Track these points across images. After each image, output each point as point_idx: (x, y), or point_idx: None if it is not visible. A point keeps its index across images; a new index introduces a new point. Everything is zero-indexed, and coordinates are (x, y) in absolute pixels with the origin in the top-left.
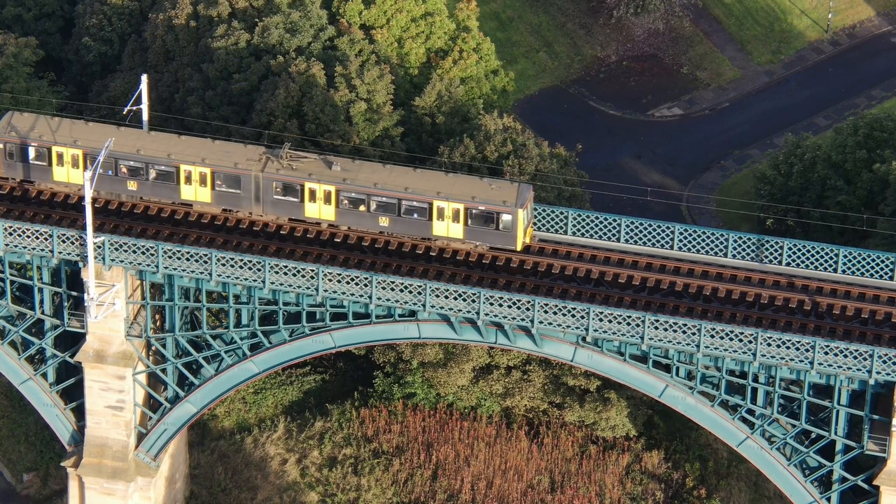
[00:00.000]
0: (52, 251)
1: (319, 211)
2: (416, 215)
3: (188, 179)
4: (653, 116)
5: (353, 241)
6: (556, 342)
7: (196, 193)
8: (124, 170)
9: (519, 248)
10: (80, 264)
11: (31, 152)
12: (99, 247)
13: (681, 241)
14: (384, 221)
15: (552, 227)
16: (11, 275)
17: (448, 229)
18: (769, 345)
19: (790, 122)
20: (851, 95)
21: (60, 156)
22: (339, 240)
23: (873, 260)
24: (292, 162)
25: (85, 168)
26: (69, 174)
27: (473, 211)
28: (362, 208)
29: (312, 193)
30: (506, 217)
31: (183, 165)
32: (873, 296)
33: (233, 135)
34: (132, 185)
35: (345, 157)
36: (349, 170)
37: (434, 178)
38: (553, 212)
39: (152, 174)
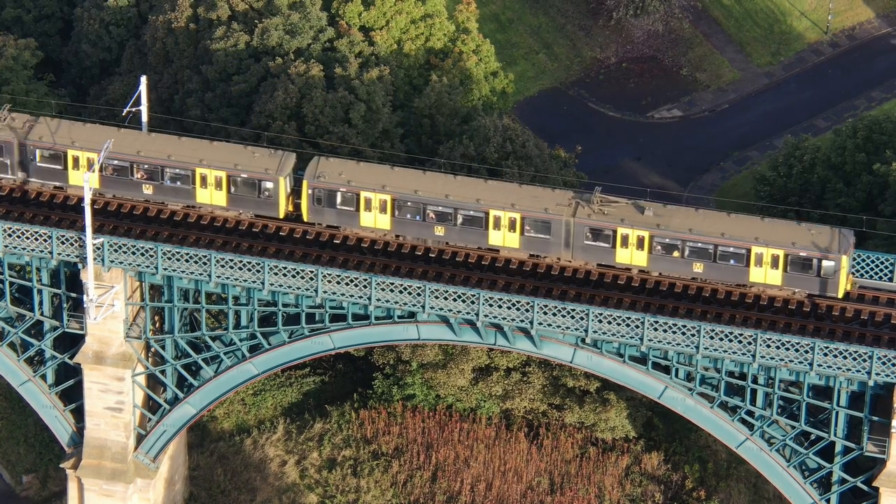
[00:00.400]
0: (51, 252)
1: (631, 257)
2: (732, 261)
3: (497, 225)
4: (652, 118)
5: (351, 242)
6: (555, 343)
7: (504, 239)
8: (432, 215)
9: (840, 294)
10: (80, 266)
11: (339, 198)
12: (98, 248)
13: None
14: (698, 268)
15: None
16: (11, 276)
17: (766, 276)
18: (768, 346)
19: (790, 124)
20: (851, 97)
21: (368, 201)
22: (338, 241)
23: (873, 261)
24: (604, 207)
25: (393, 214)
26: (376, 219)
27: (793, 257)
28: (676, 254)
29: (625, 239)
30: (827, 264)
31: (493, 211)
32: (872, 297)
33: (231, 136)
34: (439, 231)
35: (655, 203)
36: (662, 215)
37: (751, 224)
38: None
39: (459, 219)
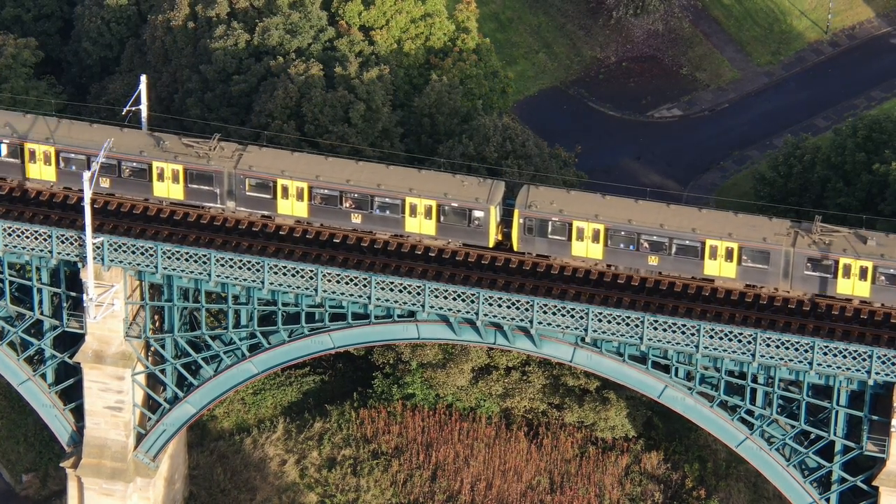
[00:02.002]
0: (51, 252)
1: (853, 287)
2: None
3: (713, 254)
4: (652, 117)
5: (351, 241)
6: (555, 343)
7: (720, 269)
8: (645, 244)
9: None
10: (80, 265)
11: (550, 227)
12: (98, 247)
13: None
14: None
15: None
16: (10, 275)
17: None
18: (768, 345)
19: (790, 123)
20: (851, 96)
21: (581, 231)
22: (337, 241)
23: None
24: (824, 237)
25: (605, 244)
26: (588, 249)
27: None
28: None
29: (847, 269)
30: None
31: (709, 240)
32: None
33: (231, 136)
34: (653, 261)
35: (877, 232)
36: (885, 244)
37: None
38: None
39: (674, 249)
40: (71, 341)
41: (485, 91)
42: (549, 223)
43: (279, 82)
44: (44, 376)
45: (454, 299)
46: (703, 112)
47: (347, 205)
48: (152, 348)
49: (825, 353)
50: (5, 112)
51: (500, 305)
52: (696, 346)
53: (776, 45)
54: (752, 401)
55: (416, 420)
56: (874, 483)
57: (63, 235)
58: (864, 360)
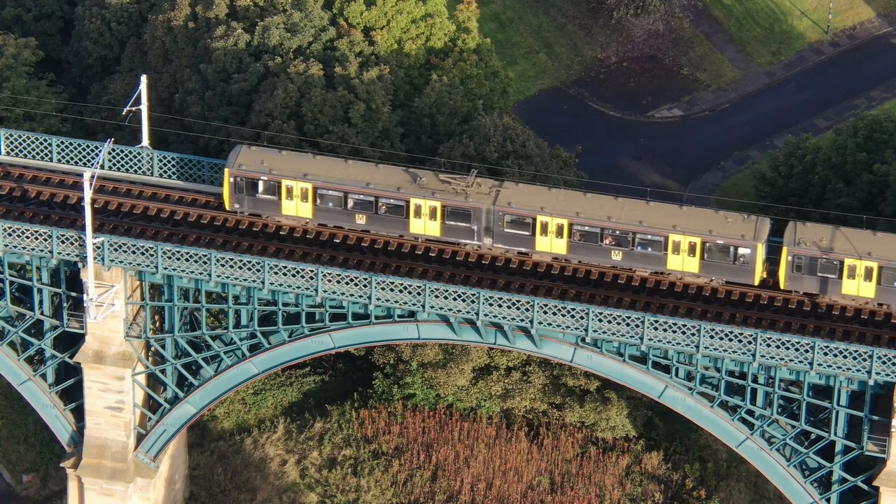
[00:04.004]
0: (51, 252)
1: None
2: None
3: (852, 274)
4: (653, 117)
5: (351, 241)
6: (555, 343)
7: (859, 288)
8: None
9: None
10: (80, 265)
11: (819, 265)
12: (98, 247)
13: None
14: None
15: None
16: (11, 275)
17: None
18: (769, 345)
19: (790, 124)
20: (851, 97)
21: (853, 269)
22: (338, 240)
23: None
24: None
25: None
26: (859, 287)
27: None
28: None
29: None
30: None
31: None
32: None
33: (232, 135)
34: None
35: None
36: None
37: None
38: None
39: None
40: (71, 341)
41: (485, 91)
42: (819, 261)
43: (279, 82)
44: (44, 376)
45: (454, 299)
46: (703, 112)
47: (607, 242)
48: (152, 348)
49: (825, 354)
50: (262, 149)
51: (500, 305)
52: (697, 347)
53: (777, 46)
54: (753, 401)
55: (417, 420)
56: (874, 483)
57: (63, 235)
58: (864, 360)
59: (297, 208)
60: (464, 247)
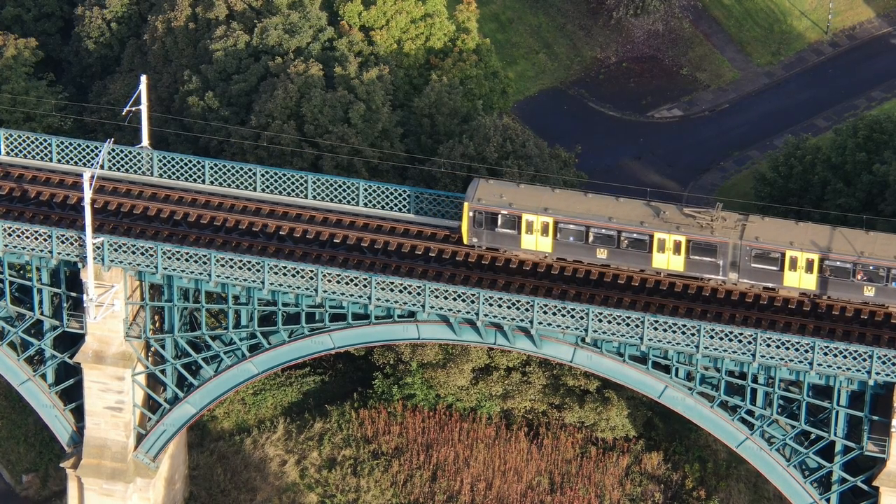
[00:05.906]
0: (51, 252)
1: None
2: None
3: None
4: (652, 118)
5: (351, 241)
6: (555, 343)
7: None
8: None
9: None
10: (80, 265)
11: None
12: (98, 247)
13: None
14: None
15: None
16: (11, 276)
17: None
18: (768, 345)
19: (790, 124)
20: (851, 97)
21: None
22: (337, 241)
23: None
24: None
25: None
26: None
27: None
28: None
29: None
30: None
31: None
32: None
33: (231, 136)
34: None
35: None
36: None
37: None
38: None
39: None
40: (71, 341)
41: (485, 91)
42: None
43: (279, 82)
44: (44, 376)
45: (454, 299)
46: (703, 112)
47: (859, 277)
48: (152, 348)
49: (825, 354)
50: (500, 182)
51: (500, 305)
52: (697, 347)
53: (776, 46)
54: (753, 401)
55: (417, 420)
56: (874, 483)
57: (63, 235)
58: (864, 360)
59: (536, 242)
60: (708, 282)
